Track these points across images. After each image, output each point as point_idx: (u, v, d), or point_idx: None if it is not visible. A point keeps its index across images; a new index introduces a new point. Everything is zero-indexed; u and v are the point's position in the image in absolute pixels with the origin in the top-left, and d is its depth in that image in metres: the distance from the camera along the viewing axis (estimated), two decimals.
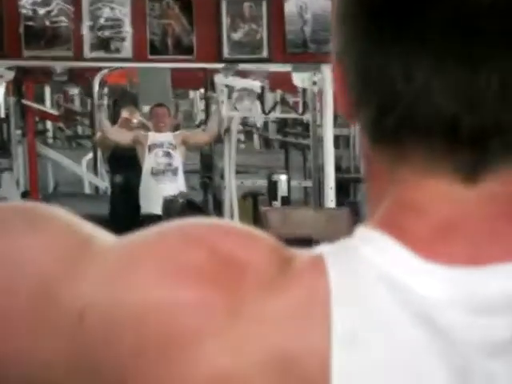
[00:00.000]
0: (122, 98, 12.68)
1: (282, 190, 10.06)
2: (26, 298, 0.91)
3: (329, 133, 8.40)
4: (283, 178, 10.22)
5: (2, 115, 10.34)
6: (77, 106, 13.19)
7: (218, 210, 9.86)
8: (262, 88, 10.54)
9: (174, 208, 8.55)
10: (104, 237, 0.94)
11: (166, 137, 9.38)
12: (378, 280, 0.91)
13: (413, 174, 0.96)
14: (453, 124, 0.90)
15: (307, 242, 6.27)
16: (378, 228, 0.95)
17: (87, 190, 12.08)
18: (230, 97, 9.88)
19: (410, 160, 0.95)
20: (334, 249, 0.95)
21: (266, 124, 12.69)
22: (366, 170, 1.05)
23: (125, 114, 10.66)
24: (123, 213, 9.36)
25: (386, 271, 0.92)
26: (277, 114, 11.61)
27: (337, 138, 9.54)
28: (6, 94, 9.56)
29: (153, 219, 8.03)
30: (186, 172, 9.78)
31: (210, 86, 10.47)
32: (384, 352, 0.89)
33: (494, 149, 0.91)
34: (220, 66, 8.61)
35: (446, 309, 0.90)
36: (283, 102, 11.90)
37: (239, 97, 10.43)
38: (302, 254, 0.95)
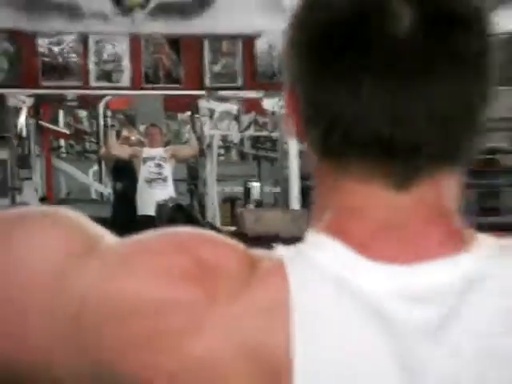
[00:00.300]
0: (122, 120, 12.22)
1: (256, 195, 10.34)
2: (50, 273, 0.91)
3: (293, 148, 8.14)
4: (256, 185, 10.59)
5: (24, 134, 9.58)
6: (85, 126, 13.21)
7: (202, 213, 9.62)
8: (238, 111, 10.53)
9: (165, 210, 8.09)
10: (107, 238, 0.94)
11: (158, 151, 9.29)
12: (329, 279, 0.92)
13: (354, 183, 0.96)
14: (388, 141, 0.91)
15: (276, 237, 6.59)
16: (326, 233, 0.96)
17: (93, 195, 12.08)
18: (211, 118, 9.58)
19: (351, 171, 0.95)
20: (291, 253, 0.94)
21: (241, 140, 12.64)
22: (313, 180, 1.03)
23: (124, 132, 10.49)
24: (123, 214, 9.21)
25: (335, 272, 0.92)
26: (250, 132, 11.70)
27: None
28: (27, 116, 9.47)
29: (147, 219, 8.36)
30: (175, 180, 9.70)
31: (195, 109, 10.09)
32: (337, 340, 0.90)
33: (422, 161, 0.92)
34: (203, 92, 8.56)
35: (386, 300, 0.90)
36: (256, 122, 11.70)
37: (219, 118, 10.06)
38: (266, 258, 0.94)
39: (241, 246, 0.98)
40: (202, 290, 0.91)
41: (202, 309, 0.91)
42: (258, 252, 0.97)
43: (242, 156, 13.05)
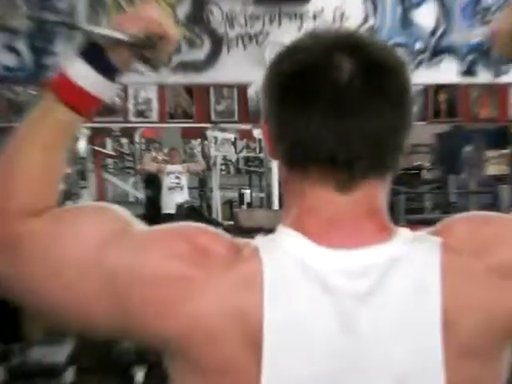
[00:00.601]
0: (152, 144, 12.55)
1: (247, 199, 10.19)
2: (93, 248, 0.96)
3: (274, 165, 7.28)
4: (248, 191, 10.44)
5: (83, 155, 9.88)
6: (125, 149, 13.06)
7: (209, 212, 9.79)
8: (235, 138, 10.72)
9: (182, 210, 8.18)
10: (137, 224, 1.00)
11: (177, 167, 9.35)
12: (291, 260, 0.95)
13: (310, 188, 0.97)
14: (333, 158, 0.93)
15: (262, 229, 6.74)
16: (290, 226, 0.98)
17: (131, 199, 11.82)
18: (215, 143, 9.96)
19: (309, 179, 0.97)
20: (264, 242, 0.97)
21: (237, 160, 12.52)
22: (283, 187, 1.04)
23: (153, 153, 10.83)
24: (152, 212, 9.01)
25: (295, 255, 0.95)
26: (244, 153, 11.63)
27: None
28: (86, 143, 9.59)
29: (169, 217, 8.31)
30: (189, 188, 9.70)
31: (204, 137, 10.60)
32: (297, 304, 0.94)
33: (357, 172, 0.95)
34: (210, 125, 7.89)
35: (331, 275, 0.94)
36: (247, 146, 11.78)
37: (221, 143, 10.34)
38: (246, 245, 0.97)
39: (228, 236, 1.01)
40: (201, 268, 0.94)
41: (201, 282, 0.94)
42: (241, 241, 0.99)
43: (238, 171, 12.73)
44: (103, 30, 1.04)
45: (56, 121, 1.04)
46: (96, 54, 1.05)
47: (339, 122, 0.93)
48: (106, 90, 1.06)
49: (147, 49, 1.07)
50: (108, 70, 1.06)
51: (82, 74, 1.04)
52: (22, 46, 4.96)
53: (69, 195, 8.20)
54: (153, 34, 1.05)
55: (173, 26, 1.09)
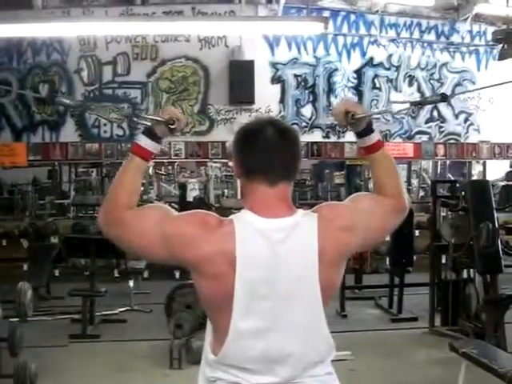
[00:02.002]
0: (182, 169, 12.84)
1: (226, 194, 12.11)
2: (154, 223, 1.61)
3: (237, 180, 8.95)
4: (226, 191, 12.41)
5: (151, 174, 11.43)
6: (170, 171, 13.31)
7: (208, 200, 10.74)
8: (220, 166, 12.25)
9: (195, 200, 10.08)
10: (173, 211, 1.62)
11: (193, 180, 11.22)
12: (248, 224, 1.50)
13: (256, 186, 1.60)
14: (267, 172, 1.59)
15: (233, 208, 7.93)
16: (247, 208, 1.59)
17: (172, 194, 12.12)
18: (211, 168, 11.66)
19: (255, 183, 1.61)
20: (235, 216, 1.52)
21: (221, 176, 13.02)
22: (242, 189, 1.63)
23: (183, 173, 12.46)
24: (181, 200, 10.17)
25: (250, 221, 1.51)
26: (225, 173, 12.61)
27: None
28: (152, 168, 11.03)
29: (189, 203, 9.65)
30: (199, 189, 11.26)
31: (205, 165, 11.64)
32: (251, 245, 1.50)
33: (278, 177, 1.60)
34: (208, 160, 10.55)
35: (267, 231, 1.53)
36: (226, 169, 12.44)
37: (213, 168, 11.80)
38: (227, 219, 1.50)
39: (217, 215, 1.52)
40: (203, 230, 1.54)
41: (203, 236, 1.51)
42: (224, 217, 1.52)
43: (222, 181, 13.07)
44: (154, 117, 1.80)
45: (136, 163, 1.76)
46: (150, 132, 1.77)
47: (268, 154, 1.56)
48: (156, 148, 1.78)
49: (172, 125, 1.77)
50: (156, 138, 1.78)
51: (145, 142, 1.78)
52: (125, 126, 9.32)
53: (145, 193, 10.61)
54: (173, 118, 1.75)
55: (182, 115, 1.81)
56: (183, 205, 9.51)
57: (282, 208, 1.68)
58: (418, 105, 2.10)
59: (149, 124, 1.82)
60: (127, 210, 1.69)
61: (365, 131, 1.86)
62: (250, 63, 9.05)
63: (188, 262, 1.66)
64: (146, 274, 8.76)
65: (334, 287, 1.74)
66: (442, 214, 7.32)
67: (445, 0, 9.56)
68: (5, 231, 9.51)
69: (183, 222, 1.66)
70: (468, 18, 9.78)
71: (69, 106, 2.30)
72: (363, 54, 10.01)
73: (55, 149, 8.96)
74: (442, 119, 10.35)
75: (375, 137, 1.89)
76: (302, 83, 9.71)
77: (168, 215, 1.69)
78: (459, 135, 10.34)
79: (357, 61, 9.97)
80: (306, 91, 9.74)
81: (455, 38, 10.15)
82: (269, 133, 1.67)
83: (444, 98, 2.05)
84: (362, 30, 10.06)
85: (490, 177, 10.51)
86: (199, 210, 1.69)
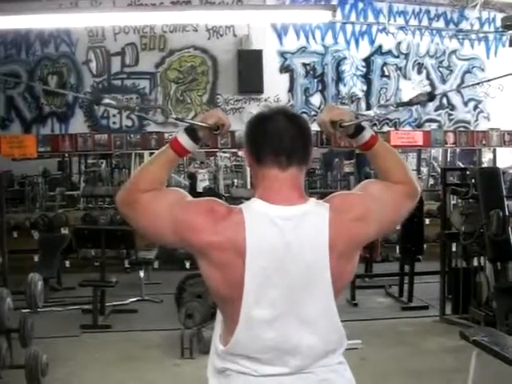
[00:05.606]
0: (192, 160, 13.26)
1: (235, 184, 12.38)
2: (167, 207, 1.62)
3: (247, 169, 10.47)
4: (236, 180, 12.72)
5: None
6: (180, 162, 10.46)
7: (218, 190, 11.46)
8: (230, 156, 13.02)
9: (205, 189, 10.67)
10: (188, 196, 1.63)
11: (203, 171, 11.60)
12: (258, 213, 1.45)
13: (266, 171, 1.56)
14: (278, 153, 1.57)
15: (243, 198, 8.55)
16: (257, 196, 1.53)
17: (182, 185, 11.76)
18: (221, 158, 12.25)
19: (266, 167, 1.56)
20: (245, 205, 1.48)
21: (231, 166, 13.69)
22: (253, 177, 1.56)
23: (193, 164, 12.87)
24: (191, 191, 9.41)
25: (260, 210, 1.46)
26: (234, 162, 13.32)
27: None
28: None
29: (199, 193, 10.06)
30: (209, 179, 11.80)
31: (215, 155, 12.47)
32: (260, 233, 1.45)
33: (289, 160, 1.55)
34: (218, 149, 10.66)
35: (277, 218, 1.46)
36: (236, 159, 13.33)
37: (223, 159, 12.43)
38: (236, 207, 1.47)
39: (227, 204, 1.49)
40: (213, 218, 1.51)
41: (213, 224, 1.50)
42: (234, 206, 1.50)
43: (231, 171, 13.73)
44: (197, 122, 1.76)
45: (169, 156, 1.77)
46: (193, 132, 1.77)
47: (278, 138, 1.56)
48: (194, 147, 1.78)
49: (216, 130, 1.76)
50: (195, 139, 1.77)
51: (185, 141, 1.77)
52: (134, 117, 8.33)
53: None
54: (218, 123, 1.74)
55: (227, 120, 1.78)
56: (193, 195, 7.96)
57: (293, 194, 1.67)
58: (405, 105, 2.15)
59: (193, 123, 1.85)
60: (144, 193, 1.71)
61: (356, 132, 1.87)
62: (259, 52, 8.53)
63: (196, 250, 1.66)
64: (156, 265, 8.83)
65: (347, 278, 1.73)
66: (452, 202, 7.29)
67: None
68: (16, 223, 9.57)
69: (193, 209, 1.66)
70: (477, 4, 9.17)
71: (113, 107, 2.27)
72: (372, 42, 9.30)
73: (65, 140, 8.76)
74: (452, 107, 9.78)
75: (367, 134, 1.88)
76: (311, 72, 9.12)
77: (180, 201, 1.70)
78: (469, 123, 9.87)
79: (365, 49, 9.36)
80: (315, 80, 9.14)
81: (464, 25, 9.47)
82: (279, 119, 1.68)
83: (431, 97, 2.03)
84: (371, 18, 9.35)
85: (500, 164, 10.40)
86: (210, 198, 1.69)
